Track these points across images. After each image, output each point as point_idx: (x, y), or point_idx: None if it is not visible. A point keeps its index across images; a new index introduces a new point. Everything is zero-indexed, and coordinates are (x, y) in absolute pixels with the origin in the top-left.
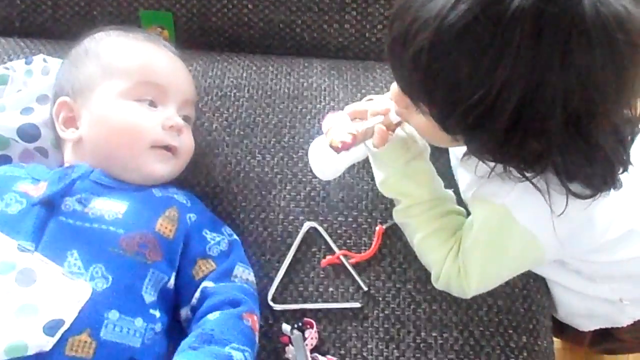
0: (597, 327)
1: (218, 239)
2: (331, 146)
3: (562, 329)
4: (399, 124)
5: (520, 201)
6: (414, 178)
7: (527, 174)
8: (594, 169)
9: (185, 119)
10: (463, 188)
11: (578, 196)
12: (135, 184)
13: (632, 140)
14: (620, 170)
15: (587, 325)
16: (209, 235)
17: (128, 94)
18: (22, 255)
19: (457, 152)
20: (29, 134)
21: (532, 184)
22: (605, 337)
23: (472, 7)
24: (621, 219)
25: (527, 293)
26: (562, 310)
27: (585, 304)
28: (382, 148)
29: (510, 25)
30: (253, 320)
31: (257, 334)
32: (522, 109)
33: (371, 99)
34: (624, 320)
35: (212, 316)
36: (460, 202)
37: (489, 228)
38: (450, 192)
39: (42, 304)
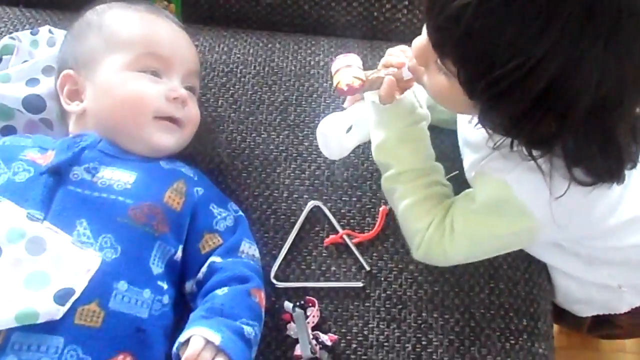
0: (595, 314)
1: (225, 214)
2: (337, 88)
3: (561, 315)
4: (409, 82)
5: (521, 178)
6: (411, 143)
7: (534, 153)
8: (604, 160)
9: (190, 89)
10: (467, 167)
11: (580, 182)
12: (142, 156)
13: None
14: (629, 167)
15: (586, 311)
16: (216, 210)
17: (131, 65)
18: (31, 224)
19: (464, 132)
20: (34, 105)
21: (537, 163)
22: (603, 323)
23: None
24: (625, 206)
25: (529, 277)
26: (560, 296)
27: (583, 290)
28: (389, 105)
29: None
30: (260, 297)
31: (263, 309)
32: (554, 86)
33: (403, 50)
34: (622, 307)
35: (221, 292)
36: (461, 182)
37: (489, 201)
38: (439, 164)
39: (53, 272)
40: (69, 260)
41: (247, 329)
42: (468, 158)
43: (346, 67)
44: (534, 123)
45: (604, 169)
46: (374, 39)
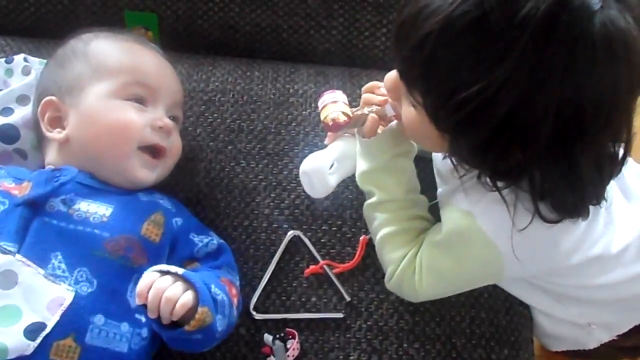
0: (565, 349)
1: (206, 240)
2: (323, 122)
3: None
4: (392, 118)
5: (486, 209)
6: (395, 174)
7: (499, 185)
8: (569, 194)
9: (174, 119)
10: (439, 198)
11: (544, 218)
12: (120, 188)
13: (611, 178)
14: (593, 202)
15: (555, 345)
16: (196, 238)
17: (118, 93)
18: (3, 257)
19: (436, 163)
20: (8, 135)
21: (501, 195)
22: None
23: (488, 0)
24: (589, 243)
25: (510, 305)
26: (535, 330)
27: (553, 326)
28: (373, 138)
29: (522, 24)
30: (230, 288)
31: (234, 305)
32: (515, 112)
33: (378, 86)
34: (591, 344)
35: None
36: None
37: (454, 232)
38: (424, 197)
39: (24, 306)
40: (41, 294)
41: (215, 289)
42: (440, 189)
43: (332, 102)
44: (497, 153)
45: (569, 203)
46: (353, 66)
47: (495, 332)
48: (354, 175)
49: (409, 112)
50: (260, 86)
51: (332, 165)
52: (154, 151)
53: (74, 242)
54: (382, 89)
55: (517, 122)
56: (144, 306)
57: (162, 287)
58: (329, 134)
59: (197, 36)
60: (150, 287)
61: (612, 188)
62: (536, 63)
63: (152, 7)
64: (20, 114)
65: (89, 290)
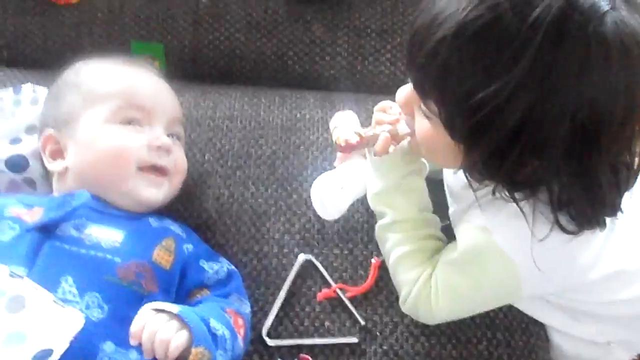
0: None
1: (216, 267)
2: (335, 143)
3: None
4: (404, 136)
5: (503, 226)
6: (407, 194)
7: (517, 197)
8: (588, 204)
9: (175, 137)
10: (452, 217)
11: (563, 229)
12: (131, 211)
13: (627, 188)
14: (609, 214)
15: None
16: (206, 265)
17: (112, 118)
18: (12, 281)
19: (448, 183)
20: (17, 164)
21: (518, 206)
22: None
23: (500, 2)
24: (608, 258)
25: (526, 326)
26: (550, 350)
27: (571, 346)
28: (384, 156)
29: (535, 25)
30: (236, 320)
31: (240, 338)
32: (531, 116)
33: (389, 105)
34: None
35: None
36: (451, 232)
37: (469, 250)
38: (436, 217)
39: (31, 332)
40: (50, 320)
41: (215, 324)
42: (452, 209)
43: (344, 123)
44: (513, 161)
45: (589, 213)
46: (358, 91)
47: (513, 354)
48: (364, 198)
49: (423, 125)
50: (267, 112)
51: (343, 187)
52: (156, 170)
53: (85, 266)
54: (394, 109)
55: (532, 127)
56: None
57: (156, 328)
58: (339, 155)
59: (203, 65)
60: (143, 327)
61: (632, 201)
62: (550, 64)
63: (158, 37)
64: (28, 144)
65: (100, 316)
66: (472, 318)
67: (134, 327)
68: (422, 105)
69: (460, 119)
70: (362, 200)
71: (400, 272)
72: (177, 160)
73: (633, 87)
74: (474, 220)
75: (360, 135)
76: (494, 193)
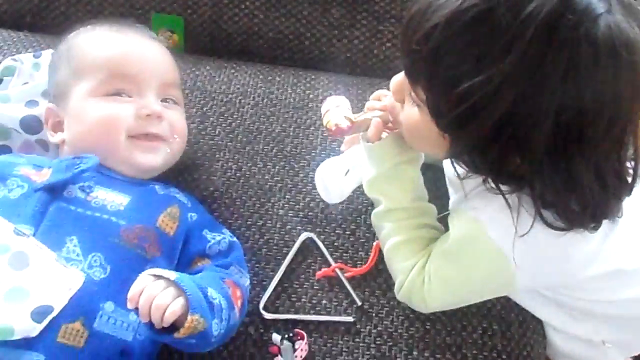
0: None
1: (218, 238)
2: (326, 127)
3: None
4: (394, 123)
5: (495, 217)
6: (400, 182)
7: (503, 188)
8: (571, 203)
9: (170, 101)
10: (450, 207)
11: (549, 225)
12: (136, 178)
13: (620, 197)
14: (601, 217)
15: None
16: (209, 235)
17: (98, 90)
18: (17, 238)
19: (447, 172)
20: (31, 125)
21: (505, 198)
22: None
23: None
24: (605, 257)
25: (523, 319)
26: (547, 348)
27: (567, 344)
28: (377, 143)
29: (527, 21)
30: (234, 291)
31: (237, 307)
32: (514, 111)
33: (384, 94)
34: None
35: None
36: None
37: (461, 240)
38: (432, 206)
39: (33, 288)
40: (52, 278)
41: (212, 293)
42: (452, 198)
43: (335, 107)
44: (496, 155)
45: (571, 213)
46: (373, 76)
47: (508, 345)
48: None
49: (411, 112)
50: (280, 90)
51: (347, 172)
52: (149, 137)
53: (90, 227)
54: (389, 97)
55: (516, 121)
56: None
57: (153, 293)
58: (345, 140)
59: (221, 40)
60: (141, 292)
61: (632, 201)
62: (538, 61)
63: (178, 10)
64: (44, 107)
65: (102, 276)
66: (469, 307)
67: (132, 292)
68: (412, 92)
69: (446, 107)
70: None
71: (395, 260)
72: (174, 125)
73: (620, 92)
74: (466, 211)
75: (350, 120)
76: (484, 183)
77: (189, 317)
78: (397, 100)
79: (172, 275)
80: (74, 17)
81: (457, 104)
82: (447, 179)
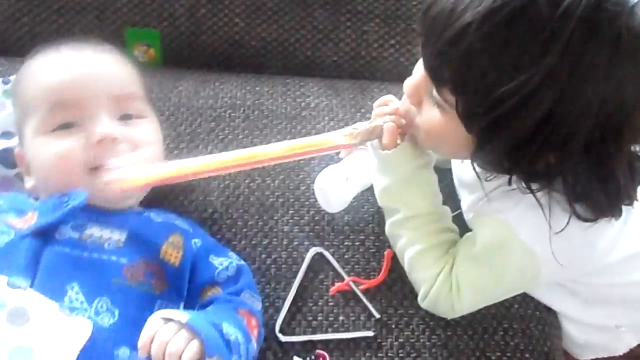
0: (595, 357)
1: (226, 264)
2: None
3: None
4: (407, 126)
5: (522, 218)
6: (419, 188)
7: (533, 187)
8: (603, 196)
9: (133, 116)
10: (465, 208)
11: (580, 217)
12: (127, 208)
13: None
14: (626, 203)
15: (585, 354)
16: (216, 260)
17: (43, 127)
18: (12, 292)
19: (459, 173)
20: (8, 159)
21: (535, 197)
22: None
23: None
24: (624, 242)
25: (540, 315)
26: (563, 339)
27: (582, 333)
28: (393, 150)
29: (566, 15)
30: (249, 321)
31: (254, 338)
32: (555, 111)
33: (390, 99)
34: (621, 349)
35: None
36: (460, 223)
37: (491, 243)
38: (447, 208)
39: (37, 345)
40: (57, 331)
41: (228, 329)
42: (465, 199)
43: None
44: (532, 155)
45: (604, 204)
46: (361, 78)
47: (529, 343)
48: (372, 187)
49: (432, 114)
50: (270, 101)
51: (347, 179)
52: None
53: (91, 270)
54: (394, 103)
55: (556, 120)
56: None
57: (165, 339)
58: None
59: (201, 52)
60: (152, 339)
61: None
62: (580, 56)
63: (154, 23)
64: None
65: (111, 321)
66: (488, 309)
67: (143, 339)
68: (436, 94)
69: (480, 111)
70: (372, 191)
71: (418, 269)
72: (137, 142)
73: None
74: (491, 214)
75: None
76: (509, 184)
77: None
78: (413, 103)
79: (184, 317)
80: (40, 37)
81: (493, 108)
82: (456, 180)
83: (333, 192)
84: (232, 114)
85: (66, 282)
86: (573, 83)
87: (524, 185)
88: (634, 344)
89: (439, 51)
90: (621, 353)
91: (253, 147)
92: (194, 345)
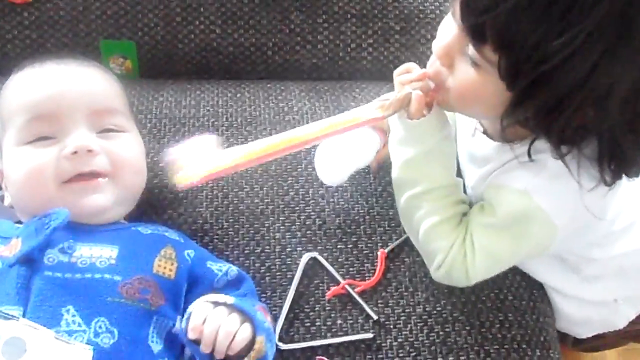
0: (595, 333)
1: (225, 269)
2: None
3: None
4: (434, 92)
5: (543, 188)
6: (442, 159)
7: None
8: (637, 149)
9: (114, 130)
10: (472, 183)
11: (605, 182)
12: (114, 224)
13: None
14: None
15: (586, 332)
16: (214, 266)
17: (20, 139)
18: (6, 323)
19: (468, 148)
20: None
21: (563, 161)
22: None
23: None
24: (628, 209)
25: (534, 304)
26: (561, 321)
27: (581, 311)
28: (422, 119)
29: None
30: (265, 314)
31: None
32: (600, 66)
33: (412, 67)
34: (620, 322)
35: None
36: None
37: (511, 213)
38: (460, 179)
39: None
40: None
41: (260, 316)
42: (473, 174)
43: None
44: (572, 110)
45: (636, 162)
46: (340, 79)
47: (525, 334)
48: (362, 190)
49: (467, 73)
50: (253, 107)
51: (347, 152)
52: (85, 177)
53: (85, 291)
54: (417, 69)
55: (601, 75)
56: (192, 341)
57: (218, 322)
58: None
59: (178, 61)
60: (204, 321)
61: None
62: (626, 11)
63: (129, 35)
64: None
65: (112, 341)
66: (484, 302)
67: (194, 322)
68: (473, 53)
69: (524, 68)
70: (361, 192)
71: (434, 239)
72: (116, 156)
73: None
74: (511, 184)
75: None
76: (529, 154)
77: (257, 338)
78: (444, 64)
79: (230, 299)
80: (12, 54)
81: (539, 64)
82: (463, 156)
83: (332, 164)
84: (215, 122)
85: (61, 306)
86: (619, 38)
87: (553, 149)
88: (633, 316)
89: (483, 9)
90: (621, 327)
91: (292, 129)
92: (247, 326)
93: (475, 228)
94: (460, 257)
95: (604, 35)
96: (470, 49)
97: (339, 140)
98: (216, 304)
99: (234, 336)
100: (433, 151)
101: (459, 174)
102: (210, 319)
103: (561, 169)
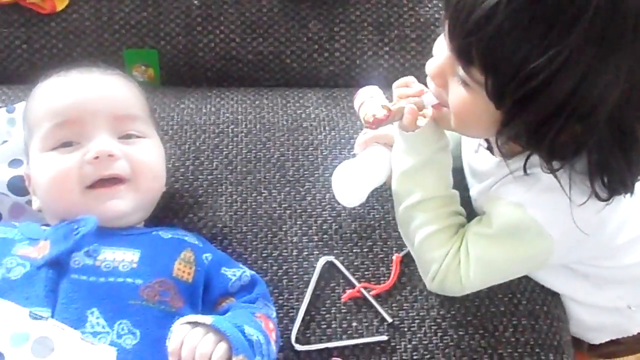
0: (608, 339)
1: (238, 274)
2: (363, 120)
3: None
4: (429, 108)
5: (537, 199)
6: (437, 170)
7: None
8: (625, 164)
9: (134, 136)
10: (475, 196)
11: (597, 196)
12: (136, 228)
13: None
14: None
15: (599, 337)
16: (228, 272)
17: (45, 145)
18: (35, 323)
19: (471, 163)
20: (19, 187)
21: (555, 176)
22: (604, 342)
23: None
24: (631, 223)
25: (548, 309)
26: (574, 326)
27: (594, 317)
28: (417, 131)
29: None
30: (267, 324)
31: (272, 341)
32: (584, 82)
33: (411, 81)
34: (634, 329)
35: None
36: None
37: (507, 225)
38: (457, 192)
39: None
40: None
41: (249, 330)
42: (475, 188)
43: (369, 98)
44: (558, 126)
45: (626, 178)
46: (358, 86)
47: (539, 338)
48: (379, 194)
49: (459, 94)
50: (271, 114)
51: (363, 173)
52: (107, 182)
53: (109, 294)
54: (416, 84)
55: (585, 92)
56: None
57: (194, 343)
58: (359, 143)
59: (199, 69)
60: (182, 343)
61: None
62: (607, 25)
63: (151, 43)
64: None
65: (134, 342)
66: (498, 306)
67: (173, 345)
68: (462, 74)
69: (510, 88)
70: (377, 197)
71: (428, 249)
72: (134, 162)
73: None
74: (507, 197)
75: (388, 108)
76: (525, 169)
77: (234, 358)
78: (438, 84)
79: (208, 319)
80: (40, 63)
81: (522, 83)
82: (467, 169)
83: (350, 186)
84: (235, 129)
85: (86, 309)
86: (601, 54)
87: (544, 164)
88: None
89: (468, 32)
90: (635, 333)
91: None
92: (222, 346)
93: (471, 237)
94: (454, 266)
95: (585, 53)
96: (460, 70)
97: (354, 162)
98: (195, 324)
99: (210, 357)
100: (429, 162)
101: (466, 188)
102: (187, 341)
103: (554, 182)
